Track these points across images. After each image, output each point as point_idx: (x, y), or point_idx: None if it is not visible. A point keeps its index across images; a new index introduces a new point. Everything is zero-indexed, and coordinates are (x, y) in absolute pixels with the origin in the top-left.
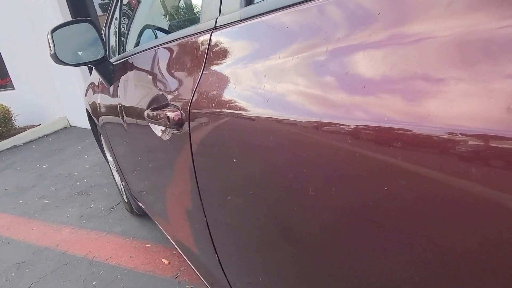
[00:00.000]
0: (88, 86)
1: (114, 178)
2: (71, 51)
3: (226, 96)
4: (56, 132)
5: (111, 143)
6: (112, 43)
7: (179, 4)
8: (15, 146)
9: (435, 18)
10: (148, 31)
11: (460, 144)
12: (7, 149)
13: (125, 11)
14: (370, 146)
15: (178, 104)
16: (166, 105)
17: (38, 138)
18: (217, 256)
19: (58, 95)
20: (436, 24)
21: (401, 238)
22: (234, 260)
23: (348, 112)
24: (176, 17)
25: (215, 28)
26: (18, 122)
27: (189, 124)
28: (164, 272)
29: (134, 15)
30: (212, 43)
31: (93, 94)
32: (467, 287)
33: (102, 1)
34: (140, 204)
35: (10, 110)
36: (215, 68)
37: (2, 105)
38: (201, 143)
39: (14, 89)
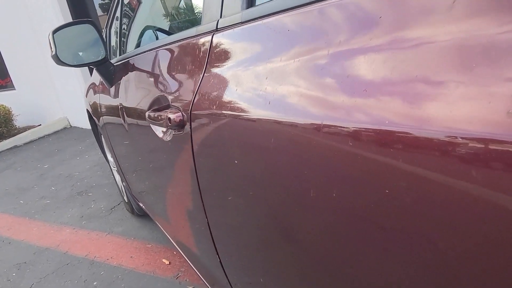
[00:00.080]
0: (89, 87)
1: (114, 179)
2: (72, 52)
3: (228, 98)
4: (56, 132)
5: (111, 144)
6: (113, 43)
7: (180, 5)
8: (15, 146)
9: (435, 23)
10: (149, 32)
11: (460, 147)
12: (7, 149)
13: (126, 12)
14: (371, 148)
15: (179, 105)
16: (168, 106)
17: (39, 138)
18: (218, 256)
19: (58, 95)
20: (437, 29)
21: (401, 239)
22: (235, 261)
23: (350, 115)
24: (177, 18)
25: (217, 30)
26: (18, 122)
27: (190, 125)
28: (165, 273)
29: (135, 16)
30: (214, 45)
31: (94, 94)
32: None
33: (102, 1)
34: (141, 205)
35: (10, 110)
36: (216, 70)
37: (3, 105)
38: (202, 144)
39: (15, 89)
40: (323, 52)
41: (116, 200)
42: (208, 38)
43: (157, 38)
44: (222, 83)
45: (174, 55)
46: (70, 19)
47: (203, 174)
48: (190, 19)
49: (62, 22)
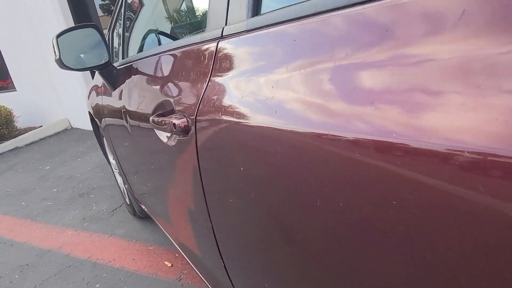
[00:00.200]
0: (91, 89)
1: (116, 180)
2: (75, 56)
3: (234, 105)
4: (57, 133)
5: (114, 146)
6: (116, 47)
7: (183, 9)
8: (16, 148)
9: (441, 39)
10: (152, 36)
11: (464, 157)
12: (8, 150)
13: (129, 15)
14: (377, 158)
15: (184, 111)
16: (172, 111)
17: (40, 139)
18: (222, 260)
19: (59, 96)
20: (442, 45)
21: (407, 247)
22: (239, 264)
23: (356, 126)
24: (179, 22)
25: (222, 37)
26: (19, 123)
27: (195, 131)
28: (167, 275)
29: (138, 19)
30: (219, 52)
31: (97, 96)
32: None
33: (103, 2)
34: (143, 207)
35: (11, 111)
36: (222, 77)
37: (4, 106)
38: (207, 150)
39: (16, 90)
40: (330, 63)
41: (117, 202)
42: (213, 45)
43: (159, 42)
44: (228, 90)
45: (179, 61)
46: (70, 20)
47: (208, 179)
48: (193, 23)
49: (63, 23)
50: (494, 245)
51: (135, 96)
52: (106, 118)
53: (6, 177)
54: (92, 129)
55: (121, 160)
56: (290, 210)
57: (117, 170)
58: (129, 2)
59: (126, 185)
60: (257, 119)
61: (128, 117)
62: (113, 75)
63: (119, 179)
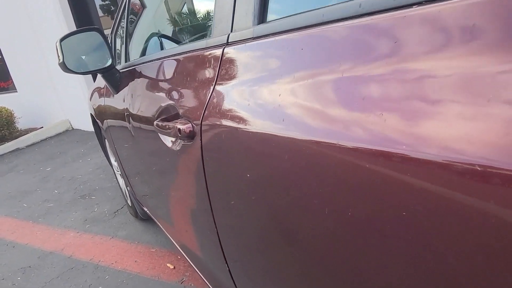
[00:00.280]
0: (94, 90)
1: (118, 182)
2: (79, 59)
3: (240, 112)
4: (58, 134)
5: (116, 148)
6: (119, 50)
7: (186, 13)
8: (17, 149)
9: (449, 53)
10: (156, 40)
11: (463, 165)
12: (10, 151)
13: (132, 18)
14: (386, 167)
15: (189, 116)
16: (176, 116)
17: (41, 140)
18: (226, 263)
19: (59, 97)
20: (450, 59)
21: (409, 250)
22: (245, 269)
23: (366, 136)
24: (183, 25)
25: (227, 43)
26: (20, 124)
27: (201, 136)
28: (170, 277)
29: (142, 22)
30: (225, 58)
31: (99, 98)
32: None
33: (103, 2)
34: (145, 209)
35: (12, 112)
36: (228, 83)
37: (5, 108)
38: (213, 155)
39: (16, 91)
40: (338, 73)
41: (119, 204)
42: (219, 51)
43: (163, 46)
44: (235, 96)
45: (183, 66)
46: (71, 20)
47: (214, 184)
48: (196, 27)
49: (63, 23)
50: (489, 249)
51: (139, 99)
52: (108, 120)
53: (7, 178)
54: (93, 130)
55: (124, 162)
56: (297, 216)
57: (119, 172)
58: (132, 5)
59: (128, 187)
60: (265, 126)
61: (131, 120)
62: (116, 78)
63: (121, 181)
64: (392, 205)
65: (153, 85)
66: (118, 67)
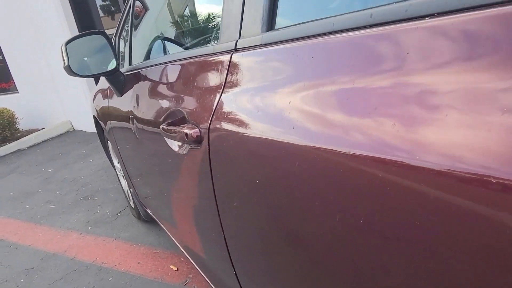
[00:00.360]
0: (97, 92)
1: (120, 184)
2: (83, 62)
3: (249, 118)
4: (60, 135)
5: (120, 150)
6: (122, 52)
7: (192, 17)
8: (19, 150)
9: (460, 66)
10: (161, 43)
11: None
12: (11, 152)
13: (136, 21)
14: (397, 174)
15: (196, 122)
16: (183, 120)
17: (42, 141)
18: (233, 267)
19: (61, 98)
20: (461, 73)
21: (413, 252)
22: (251, 272)
23: (375, 146)
24: (188, 29)
25: (235, 50)
26: (21, 125)
27: (208, 142)
28: (173, 279)
29: (146, 26)
30: (233, 65)
31: (103, 99)
32: None
33: (103, 2)
34: (148, 211)
35: (14, 113)
36: (236, 89)
37: (6, 109)
38: (221, 161)
39: (18, 92)
40: (350, 83)
41: (121, 205)
42: (227, 57)
43: (165, 49)
44: (243, 103)
45: (190, 71)
46: (72, 20)
47: (221, 189)
48: (202, 31)
49: (64, 23)
50: (487, 255)
51: (144, 103)
52: (112, 122)
53: (9, 179)
54: (94, 132)
55: (127, 163)
56: (306, 221)
57: (122, 174)
58: (136, 8)
59: (131, 189)
60: (274, 134)
61: (136, 123)
62: (120, 81)
63: (123, 183)
64: (399, 211)
65: (159, 89)
66: (122, 69)
